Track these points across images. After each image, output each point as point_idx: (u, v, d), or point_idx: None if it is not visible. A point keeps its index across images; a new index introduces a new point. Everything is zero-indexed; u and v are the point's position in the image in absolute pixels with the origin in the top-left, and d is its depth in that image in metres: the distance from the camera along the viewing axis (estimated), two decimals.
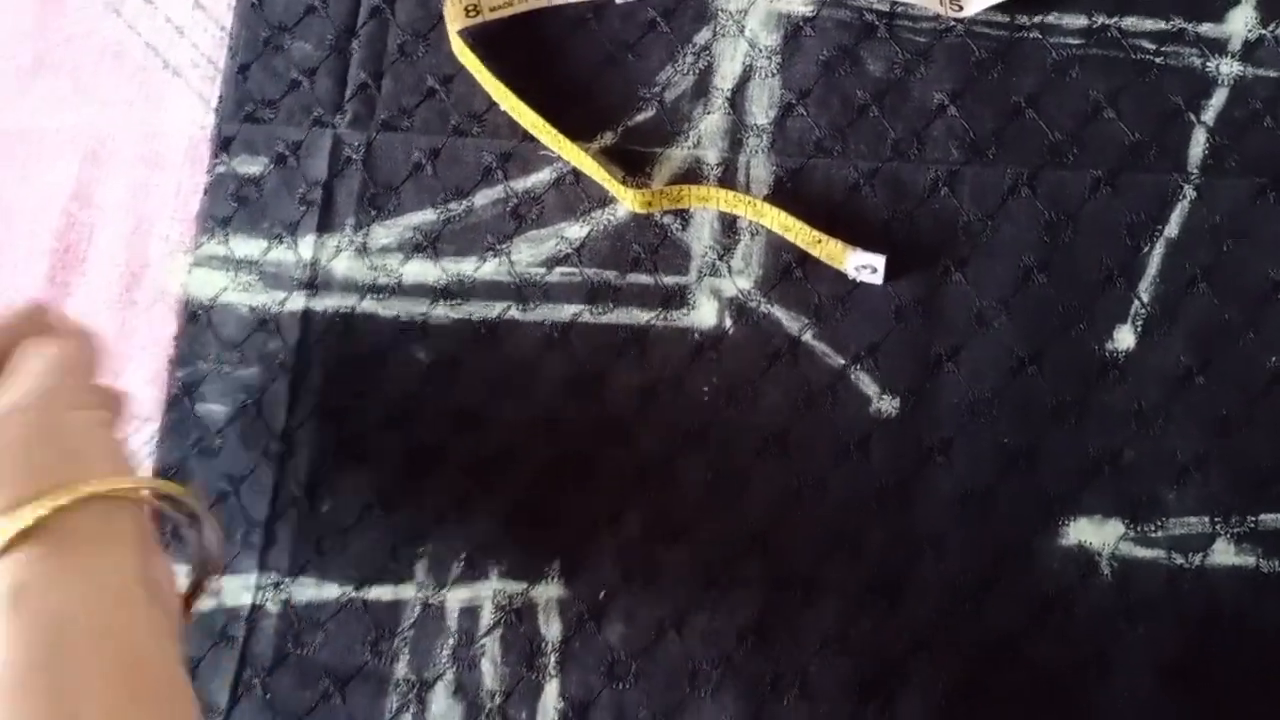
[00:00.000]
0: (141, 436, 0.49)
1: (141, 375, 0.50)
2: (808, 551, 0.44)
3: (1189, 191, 0.46)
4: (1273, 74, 0.47)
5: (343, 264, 0.49)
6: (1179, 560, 0.43)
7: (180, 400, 0.49)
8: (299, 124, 0.51)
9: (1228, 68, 0.47)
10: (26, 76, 0.54)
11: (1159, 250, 0.46)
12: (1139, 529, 0.43)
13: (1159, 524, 0.43)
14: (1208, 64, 0.47)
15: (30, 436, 0.33)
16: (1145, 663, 0.42)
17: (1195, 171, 0.46)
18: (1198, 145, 0.46)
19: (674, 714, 0.43)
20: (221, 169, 0.51)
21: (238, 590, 0.46)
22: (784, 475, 0.45)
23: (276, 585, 0.46)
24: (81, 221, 0.52)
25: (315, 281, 0.49)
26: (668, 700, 0.43)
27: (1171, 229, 0.46)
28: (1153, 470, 0.44)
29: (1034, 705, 0.42)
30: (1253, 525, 0.43)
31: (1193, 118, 0.47)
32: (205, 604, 0.46)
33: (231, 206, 0.51)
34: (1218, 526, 0.43)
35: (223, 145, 0.51)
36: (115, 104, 0.53)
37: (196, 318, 0.50)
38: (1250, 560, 0.43)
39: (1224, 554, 0.43)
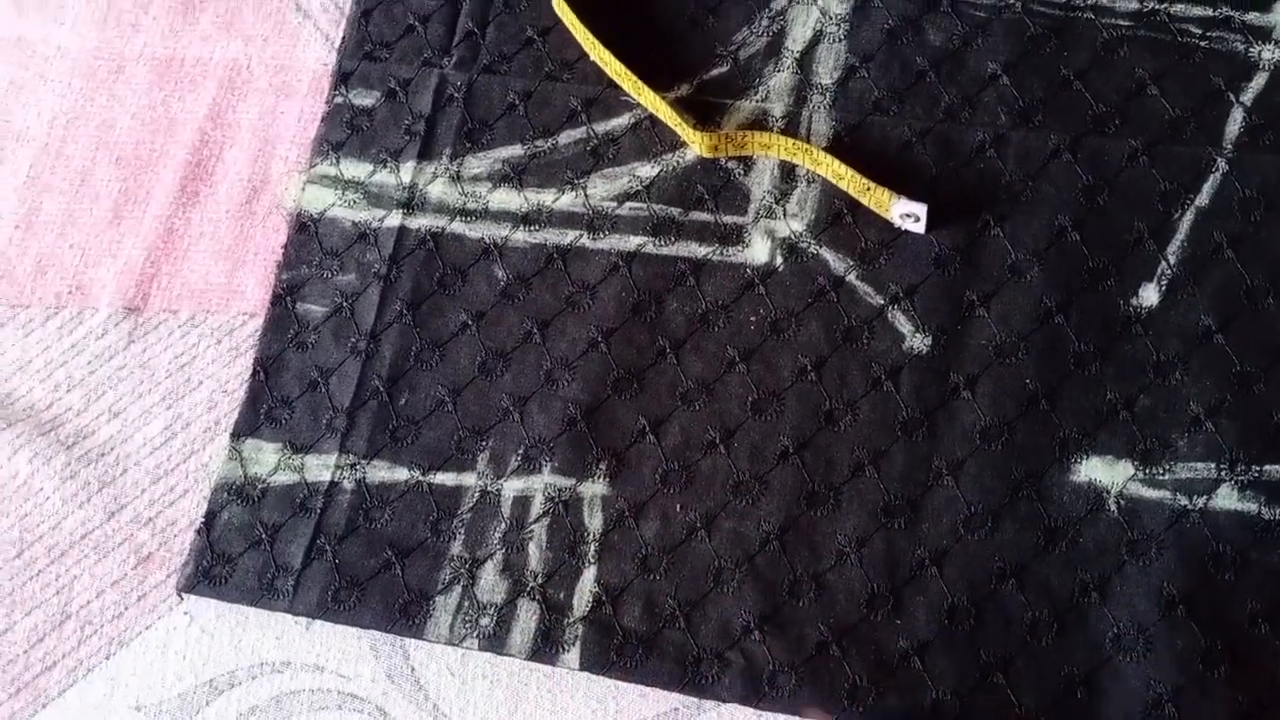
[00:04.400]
0: (246, 330, 0.55)
1: (253, 277, 0.56)
2: (833, 469, 0.48)
3: (1222, 165, 0.49)
4: None
5: (438, 188, 0.55)
6: (1183, 501, 0.45)
7: (283, 299, 0.54)
8: (410, 64, 0.57)
9: (1270, 54, 0.50)
10: (194, 11, 0.61)
11: (1189, 218, 0.49)
12: (1148, 471, 0.46)
13: (1167, 468, 0.46)
14: (1250, 50, 0.50)
15: None
16: (1145, 592, 0.44)
17: (1230, 147, 0.49)
18: (1234, 124, 0.49)
19: (697, 605, 0.47)
20: (339, 100, 0.57)
21: (319, 468, 0.51)
22: (818, 399, 0.49)
23: (353, 466, 0.51)
24: (214, 140, 0.59)
25: (412, 202, 0.55)
26: (693, 593, 0.47)
27: (1203, 199, 0.49)
28: (1166, 418, 0.46)
29: (1036, 624, 0.45)
30: (1258, 474, 0.45)
31: (1232, 98, 0.50)
32: (289, 478, 0.51)
33: (345, 133, 0.57)
34: (1223, 473, 0.45)
35: (342, 79, 0.58)
36: (255, 40, 0.60)
37: (305, 228, 0.55)
38: (1253, 507, 0.45)
39: (1227, 499, 0.45)
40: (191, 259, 0.57)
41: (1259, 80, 0.50)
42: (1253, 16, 0.50)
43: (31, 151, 0.60)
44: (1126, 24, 0.51)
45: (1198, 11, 0.51)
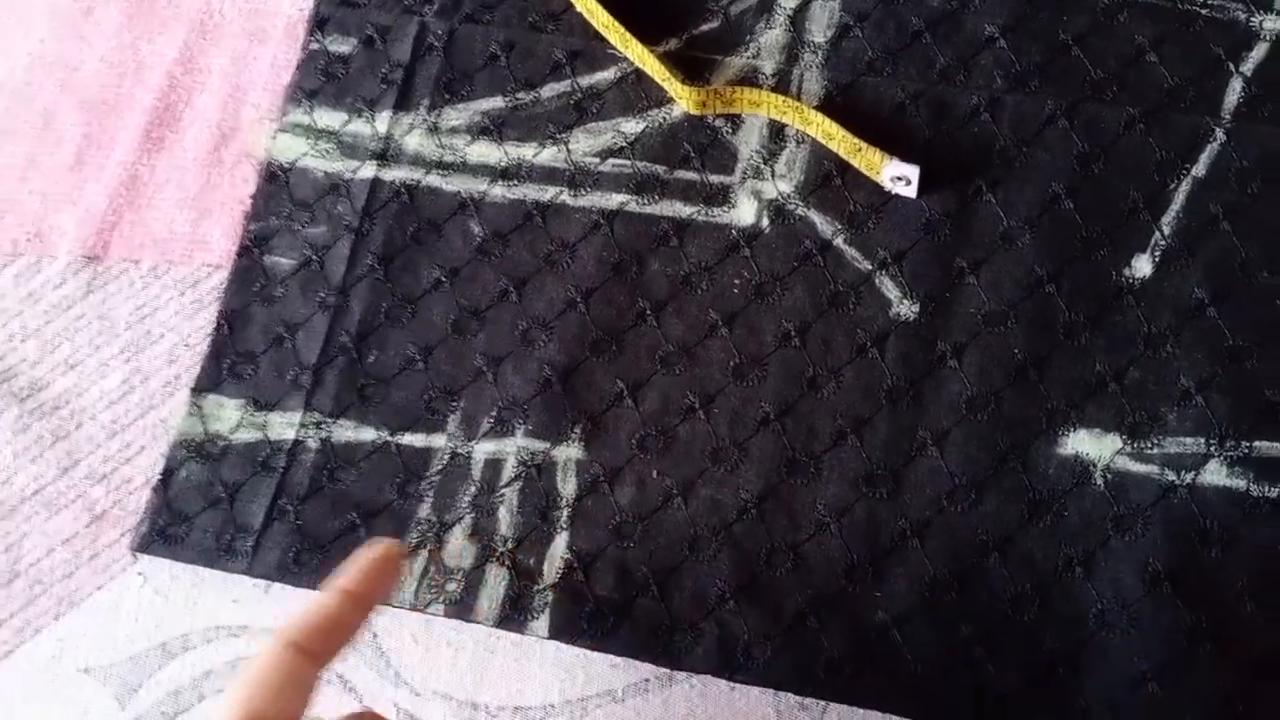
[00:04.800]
0: (211, 282, 0.53)
1: (219, 227, 0.54)
2: (815, 437, 0.46)
3: (1220, 135, 0.48)
4: None
5: (414, 140, 0.53)
6: (1171, 476, 0.44)
7: (250, 250, 0.52)
8: (389, 10, 0.55)
9: (1271, 24, 0.49)
10: None
11: (1185, 188, 0.47)
12: (1135, 445, 0.45)
13: (1156, 442, 0.45)
14: (1251, 19, 0.49)
15: None
16: (1131, 568, 0.43)
17: (1228, 117, 0.48)
18: (1233, 93, 0.48)
19: (671, 574, 0.45)
20: (315, 46, 0.55)
21: (282, 426, 0.49)
22: (801, 365, 0.47)
23: (319, 424, 0.49)
24: (183, 85, 0.57)
25: (387, 154, 0.53)
26: (667, 561, 0.46)
27: (1199, 169, 0.48)
28: (1156, 390, 0.45)
29: (1019, 598, 0.44)
30: (1247, 450, 0.44)
31: (1231, 68, 0.49)
32: (251, 436, 0.49)
33: (320, 81, 0.55)
34: (1212, 448, 0.44)
35: (318, 25, 0.56)
36: None
37: (275, 178, 0.53)
38: (1241, 483, 0.44)
39: (1215, 474, 0.44)
40: (155, 207, 0.55)
41: (1259, 50, 0.48)
42: None
43: None
44: None
45: None
